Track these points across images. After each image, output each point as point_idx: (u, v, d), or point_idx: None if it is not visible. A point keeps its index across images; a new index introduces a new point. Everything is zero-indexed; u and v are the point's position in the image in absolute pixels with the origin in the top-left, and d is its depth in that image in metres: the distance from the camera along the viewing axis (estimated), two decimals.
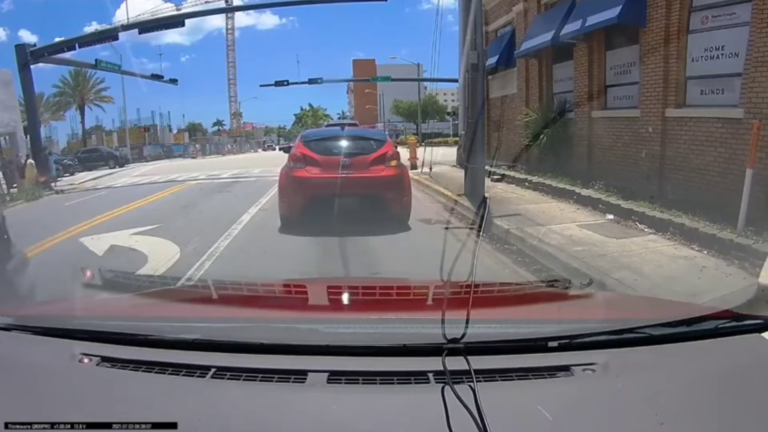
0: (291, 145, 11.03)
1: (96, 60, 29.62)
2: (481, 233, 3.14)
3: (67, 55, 26.24)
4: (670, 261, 6.08)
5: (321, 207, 8.23)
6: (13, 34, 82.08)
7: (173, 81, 37.01)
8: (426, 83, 67.12)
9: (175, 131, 65.33)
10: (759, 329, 1.56)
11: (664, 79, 9.49)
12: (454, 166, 18.53)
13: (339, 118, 75.96)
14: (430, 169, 16.70)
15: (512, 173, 13.96)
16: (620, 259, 6.13)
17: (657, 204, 8.27)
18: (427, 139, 46.98)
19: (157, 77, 36.45)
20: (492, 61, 15.84)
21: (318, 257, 7.09)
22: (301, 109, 72.22)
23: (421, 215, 9.51)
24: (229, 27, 65.79)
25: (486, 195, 10.02)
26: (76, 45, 24.77)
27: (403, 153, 24.22)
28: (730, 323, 1.59)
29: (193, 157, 45.55)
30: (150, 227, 9.43)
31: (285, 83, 46.53)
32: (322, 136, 10.01)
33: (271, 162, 19.77)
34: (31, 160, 19.79)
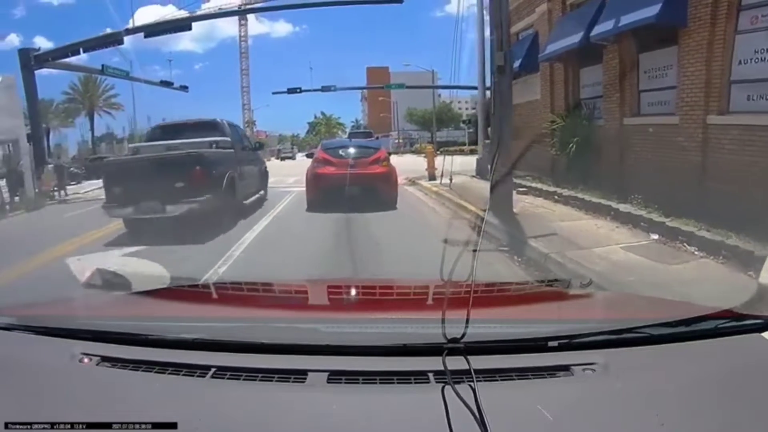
0: (313, 152, 16.17)
1: (102, 65, 29.62)
2: (482, 233, 3.45)
3: (74, 60, 26.07)
4: (731, 291, 5.51)
5: (335, 193, 12.34)
6: (27, 41, 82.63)
7: (183, 88, 37.22)
8: (440, 91, 68.29)
9: None
10: (759, 329, 1.59)
11: (707, 83, 9.06)
12: (473, 176, 18.19)
13: (353, 127, 75.78)
14: (450, 180, 16.42)
15: (539, 185, 13.60)
16: (679, 289, 5.52)
17: (704, 222, 7.67)
18: (442, 147, 46.62)
19: (166, 84, 36.63)
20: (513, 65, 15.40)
21: (333, 226, 10.54)
22: (315, 117, 71.57)
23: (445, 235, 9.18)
24: (242, 34, 65.38)
25: (514, 211, 10.15)
26: (81, 49, 24.82)
27: (419, 162, 25.88)
28: (730, 323, 1.62)
29: None
30: (137, 248, 8.63)
31: (298, 90, 46.59)
32: (336, 145, 15.29)
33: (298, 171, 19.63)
34: (49, 166, 19.94)
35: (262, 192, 14.75)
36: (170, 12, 36.97)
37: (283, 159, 51.50)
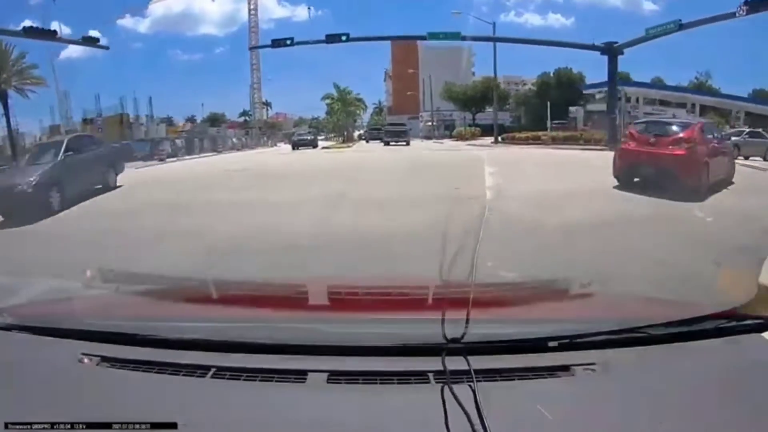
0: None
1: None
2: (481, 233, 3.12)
3: None
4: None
5: (639, 168, 12.72)
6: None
7: (105, 47, 32.52)
8: (475, 68, 57.46)
9: (182, 122, 54.61)
10: (759, 329, 1.61)
11: None
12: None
13: (375, 109, 66.33)
14: None
15: None
16: None
17: None
18: (485, 132, 41.79)
19: (90, 41, 31.98)
20: None
21: None
22: (327, 95, 52.38)
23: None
24: (252, 7, 61.86)
25: None
26: None
27: (468, 155, 24.41)
28: (730, 323, 1.63)
29: (160, 159, 31.74)
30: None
31: (288, 43, 34.77)
32: (646, 122, 15.78)
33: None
34: None
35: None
36: None
37: (296, 146, 36.87)
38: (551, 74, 48.08)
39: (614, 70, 32.35)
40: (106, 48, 33.28)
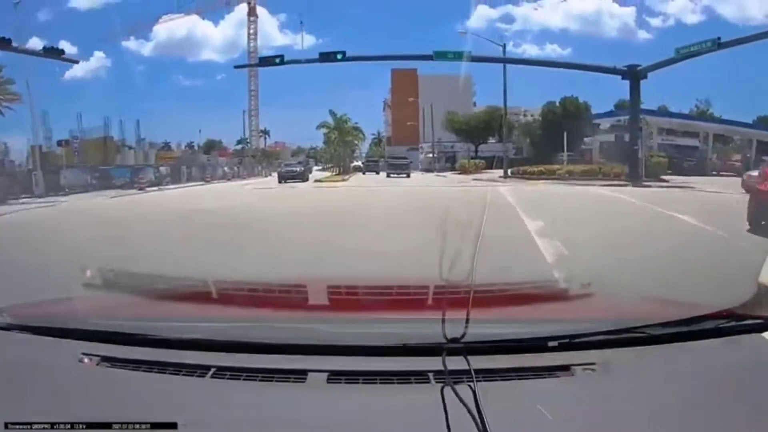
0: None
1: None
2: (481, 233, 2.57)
3: None
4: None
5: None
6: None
7: (73, 61, 31.31)
8: (476, 98, 55.37)
9: (181, 147, 51.88)
10: (759, 329, 1.61)
11: None
12: None
13: (374, 139, 64.28)
14: None
15: None
16: None
17: None
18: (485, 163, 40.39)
19: (53, 53, 30.27)
20: None
21: None
22: (323, 123, 47.08)
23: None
24: (251, 32, 59.71)
25: None
26: None
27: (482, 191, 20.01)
28: (730, 323, 1.63)
29: (140, 188, 30.00)
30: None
31: (277, 61, 32.99)
32: None
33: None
34: None
35: None
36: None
37: (283, 179, 34.47)
38: (557, 103, 46.59)
39: (637, 95, 29.77)
40: (75, 62, 32.26)
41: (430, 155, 52.20)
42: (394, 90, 61.28)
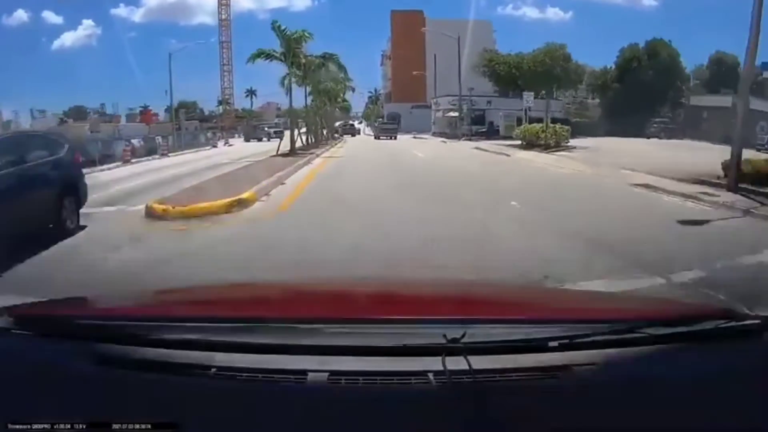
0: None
1: None
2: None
3: None
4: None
5: None
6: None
7: None
8: (498, 41, 43.64)
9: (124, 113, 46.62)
10: (759, 329, 1.62)
11: None
12: None
13: (369, 97, 61.53)
14: None
15: None
16: None
17: None
18: (557, 124, 25.64)
19: None
20: None
21: None
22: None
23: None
24: None
25: None
26: None
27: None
28: (730, 323, 1.64)
29: None
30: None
31: None
32: None
33: None
34: None
35: None
36: None
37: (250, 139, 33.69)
38: (640, 47, 35.10)
39: None
40: None
41: (451, 114, 41.02)
42: (395, 36, 53.07)
